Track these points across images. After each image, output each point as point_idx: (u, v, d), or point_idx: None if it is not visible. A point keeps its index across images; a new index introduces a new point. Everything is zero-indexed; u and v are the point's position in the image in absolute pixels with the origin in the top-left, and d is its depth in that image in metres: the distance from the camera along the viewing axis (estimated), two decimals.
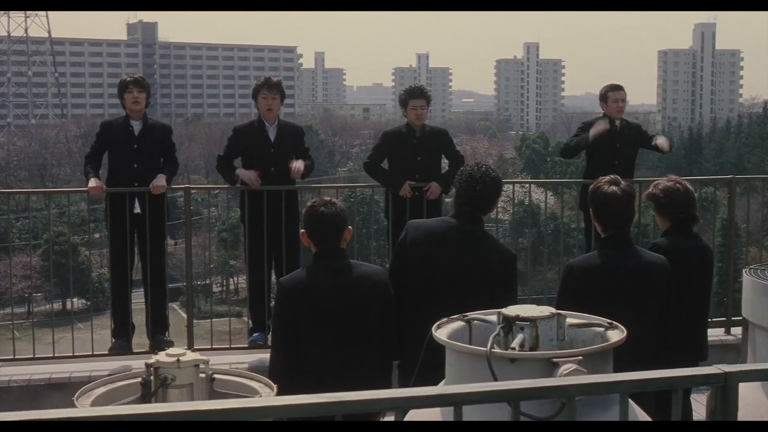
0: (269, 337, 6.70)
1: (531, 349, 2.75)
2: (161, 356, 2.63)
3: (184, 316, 7.87)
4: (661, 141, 8.26)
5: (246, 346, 7.52)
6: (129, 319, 7.39)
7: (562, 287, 4.47)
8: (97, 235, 45.47)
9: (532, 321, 2.75)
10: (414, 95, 7.80)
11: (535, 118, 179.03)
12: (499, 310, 2.92)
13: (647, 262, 4.42)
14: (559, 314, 2.82)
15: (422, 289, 4.77)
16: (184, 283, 8.43)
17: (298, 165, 7.26)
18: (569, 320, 2.99)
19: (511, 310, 2.80)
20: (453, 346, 2.77)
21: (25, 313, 39.20)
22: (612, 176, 4.58)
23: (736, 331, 7.88)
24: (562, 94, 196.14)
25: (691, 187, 5.21)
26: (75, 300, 47.49)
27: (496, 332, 2.74)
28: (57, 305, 43.77)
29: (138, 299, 7.62)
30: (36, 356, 7.27)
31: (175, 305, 43.70)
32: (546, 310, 2.81)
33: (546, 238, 27.37)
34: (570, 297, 4.31)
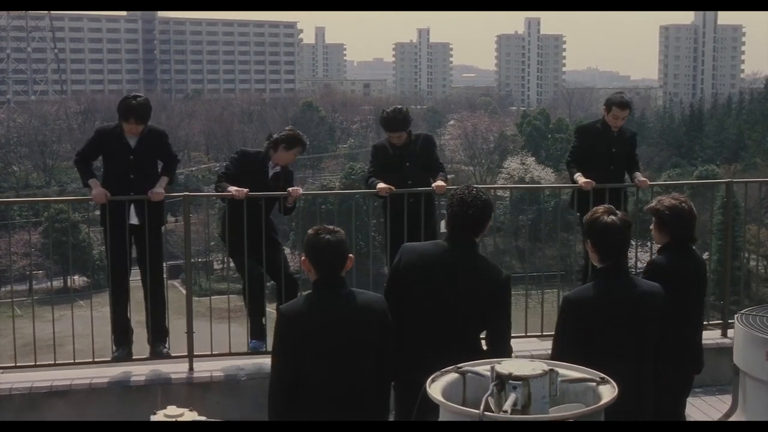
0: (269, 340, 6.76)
1: (523, 407, 2.79)
2: (159, 416, 2.68)
3: (184, 292, 7.88)
4: (640, 179, 8.54)
5: (245, 351, 7.58)
6: (128, 325, 7.43)
7: (560, 320, 4.50)
8: (97, 212, 45.46)
9: (525, 380, 2.79)
10: (393, 128, 7.95)
11: (536, 94, 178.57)
12: (493, 362, 2.96)
13: (643, 291, 4.47)
14: (551, 370, 2.86)
15: (417, 311, 4.81)
16: (184, 260, 8.43)
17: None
18: (561, 372, 3.03)
19: (505, 368, 2.84)
20: (447, 406, 2.81)
21: (26, 291, 39.33)
22: (606, 206, 4.62)
23: (733, 333, 7.92)
24: (564, 69, 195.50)
25: (694, 208, 5.28)
26: (75, 277, 47.63)
27: (489, 392, 2.78)
28: (57, 283, 43.92)
29: (135, 277, 7.62)
30: (37, 363, 7.31)
31: (175, 282, 43.83)
32: (538, 368, 2.85)
33: (546, 216, 27.32)
34: (568, 330, 4.37)
